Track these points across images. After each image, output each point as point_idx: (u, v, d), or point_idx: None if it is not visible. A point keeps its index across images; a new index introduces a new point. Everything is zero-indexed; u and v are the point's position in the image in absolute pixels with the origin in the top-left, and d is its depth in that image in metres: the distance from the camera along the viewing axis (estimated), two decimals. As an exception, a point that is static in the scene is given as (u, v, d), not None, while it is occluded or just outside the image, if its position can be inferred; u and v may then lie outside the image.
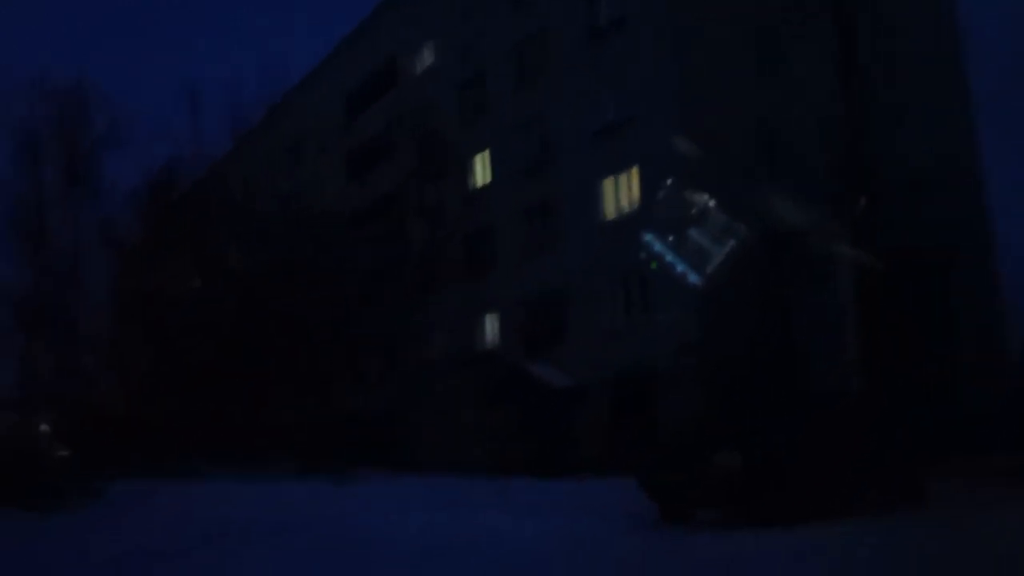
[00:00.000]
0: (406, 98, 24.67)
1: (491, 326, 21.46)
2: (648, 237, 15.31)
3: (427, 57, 25.04)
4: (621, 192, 18.77)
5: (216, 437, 19.56)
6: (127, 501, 11.73)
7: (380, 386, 22.44)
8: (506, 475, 14.93)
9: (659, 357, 16.56)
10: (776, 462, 7.33)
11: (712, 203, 14.90)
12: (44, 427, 27.52)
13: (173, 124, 41.99)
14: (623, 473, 10.00)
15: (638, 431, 16.27)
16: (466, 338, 21.55)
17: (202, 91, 36.96)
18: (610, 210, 18.97)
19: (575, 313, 19.20)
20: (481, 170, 22.59)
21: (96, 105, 27.17)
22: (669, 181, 15.87)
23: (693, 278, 14.76)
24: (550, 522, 8.44)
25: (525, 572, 6.24)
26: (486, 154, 22.39)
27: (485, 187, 22.40)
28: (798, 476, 7.34)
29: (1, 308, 26.86)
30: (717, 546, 6.67)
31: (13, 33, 55.49)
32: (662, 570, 6.02)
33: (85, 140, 27.30)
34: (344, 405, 21.13)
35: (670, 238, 14.98)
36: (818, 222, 14.69)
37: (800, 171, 16.19)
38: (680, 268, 14.82)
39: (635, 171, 18.27)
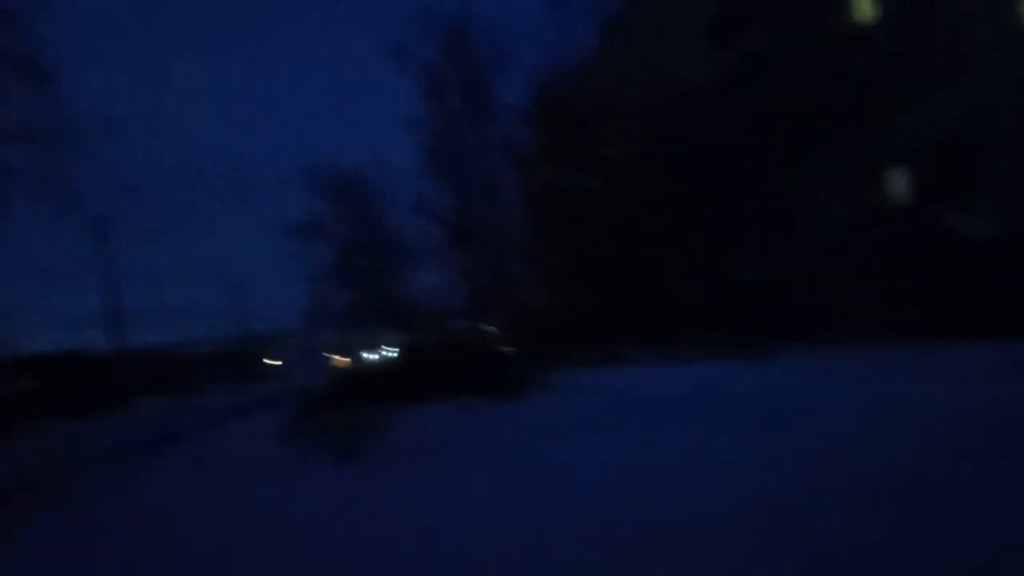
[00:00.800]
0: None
1: (891, 180, 18.95)
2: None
3: None
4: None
5: (630, 324, 20.43)
6: (569, 388, 12.83)
7: (771, 257, 21.23)
8: (917, 342, 13.30)
9: None
10: None
11: None
12: (490, 328, 31.54)
13: (543, 30, 43.78)
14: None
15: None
16: (861, 197, 19.35)
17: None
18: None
19: (986, 158, 16.03)
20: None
21: (479, 30, 29.58)
22: None
23: None
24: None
25: None
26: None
27: (868, 24, 19.48)
28: None
29: (438, 228, 30.90)
30: None
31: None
32: None
33: (476, 66, 29.87)
34: (739, 281, 20.57)
35: None
36: None
37: None
38: None
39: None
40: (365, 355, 49.05)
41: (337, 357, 61.11)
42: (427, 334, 26.89)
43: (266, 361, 69.46)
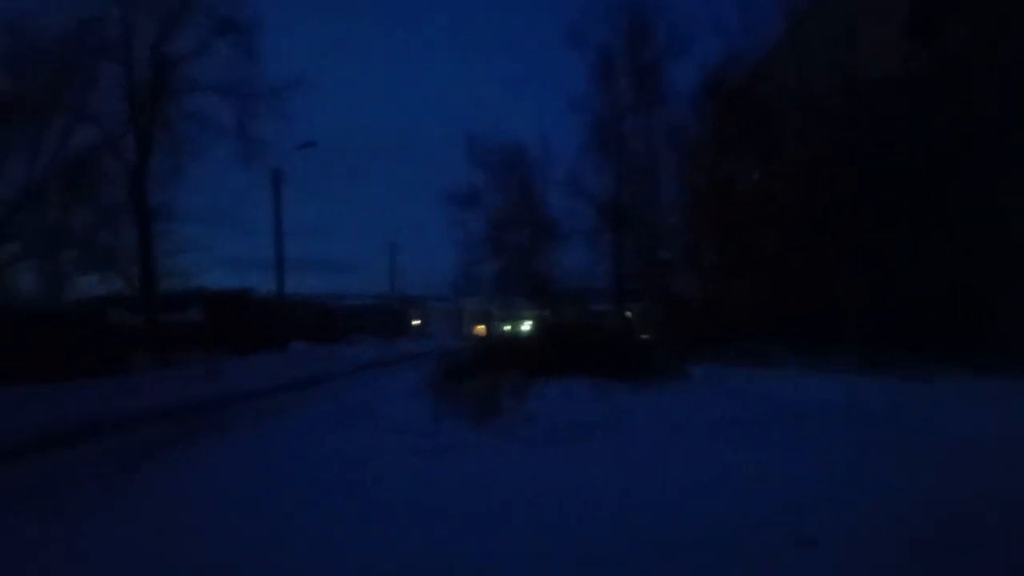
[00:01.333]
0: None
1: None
2: None
3: None
4: None
5: (784, 325, 19.70)
6: (703, 381, 12.63)
7: (958, 270, 19.66)
8: None
9: None
10: None
11: None
12: (628, 314, 31.32)
13: (725, 17, 42.49)
14: None
15: None
16: None
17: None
18: None
19: None
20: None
21: (658, 16, 29.16)
22: None
23: None
24: None
25: None
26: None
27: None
28: None
29: (593, 209, 30.85)
30: None
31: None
32: None
33: (651, 51, 29.50)
34: (916, 293, 19.20)
35: None
36: None
37: None
38: None
39: None
40: (507, 326, 49.89)
41: (480, 325, 62.45)
42: (569, 312, 27.02)
43: (412, 321, 72.01)
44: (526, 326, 40.53)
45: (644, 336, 23.50)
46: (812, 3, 25.80)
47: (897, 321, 18.19)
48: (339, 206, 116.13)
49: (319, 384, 16.45)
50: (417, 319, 74.13)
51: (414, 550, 4.47)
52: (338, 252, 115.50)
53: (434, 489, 5.94)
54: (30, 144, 21.92)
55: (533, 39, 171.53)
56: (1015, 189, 17.95)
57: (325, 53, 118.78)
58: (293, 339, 34.30)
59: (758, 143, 23.91)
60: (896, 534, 4.52)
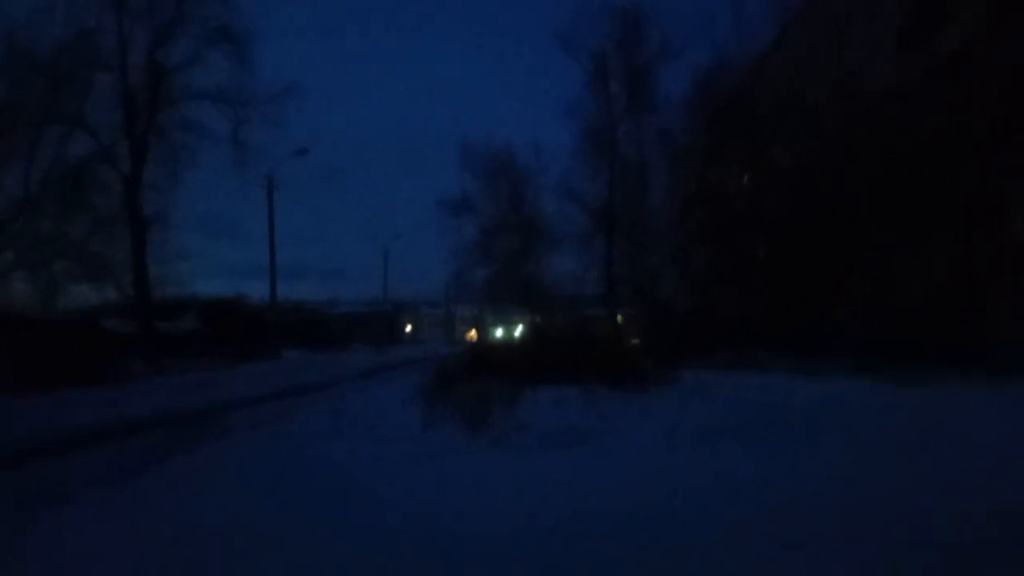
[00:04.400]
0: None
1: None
2: None
3: None
4: None
5: (774, 331, 19.87)
6: (694, 387, 12.80)
7: (949, 275, 19.81)
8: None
9: None
10: None
11: None
12: (619, 319, 31.51)
13: (717, 23, 42.79)
14: None
15: None
16: None
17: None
18: None
19: None
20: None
21: (651, 21, 29.46)
22: None
23: None
24: None
25: None
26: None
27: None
28: None
29: (584, 215, 31.07)
30: None
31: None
32: None
33: (643, 56, 29.80)
34: (907, 297, 19.32)
35: None
36: None
37: None
38: None
39: None
40: (499, 332, 50.08)
41: (471, 331, 62.56)
42: (559, 318, 27.19)
43: (404, 327, 72.09)
44: (517, 332, 40.66)
45: (635, 341, 23.68)
46: (803, 9, 26.05)
47: (890, 327, 18.34)
48: (332, 213, 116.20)
49: (312, 392, 16.58)
50: (409, 326, 74.19)
51: (404, 556, 4.62)
52: (331, 259, 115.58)
53: (425, 496, 6.11)
54: (25, 154, 22.08)
55: (526, 44, 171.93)
56: (1010, 194, 18.15)
57: (319, 60, 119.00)
58: (286, 347, 34.42)
59: (748, 149, 24.13)
60: (884, 537, 4.71)
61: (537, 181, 33.55)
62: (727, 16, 41.68)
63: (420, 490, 6.28)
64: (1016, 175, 17.89)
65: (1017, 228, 18.03)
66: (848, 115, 20.70)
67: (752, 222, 22.74)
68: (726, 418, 9.21)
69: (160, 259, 25.64)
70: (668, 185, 30.75)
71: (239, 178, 31.30)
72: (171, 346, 24.88)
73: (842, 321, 19.53)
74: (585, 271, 31.82)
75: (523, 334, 27.79)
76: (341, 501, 6.03)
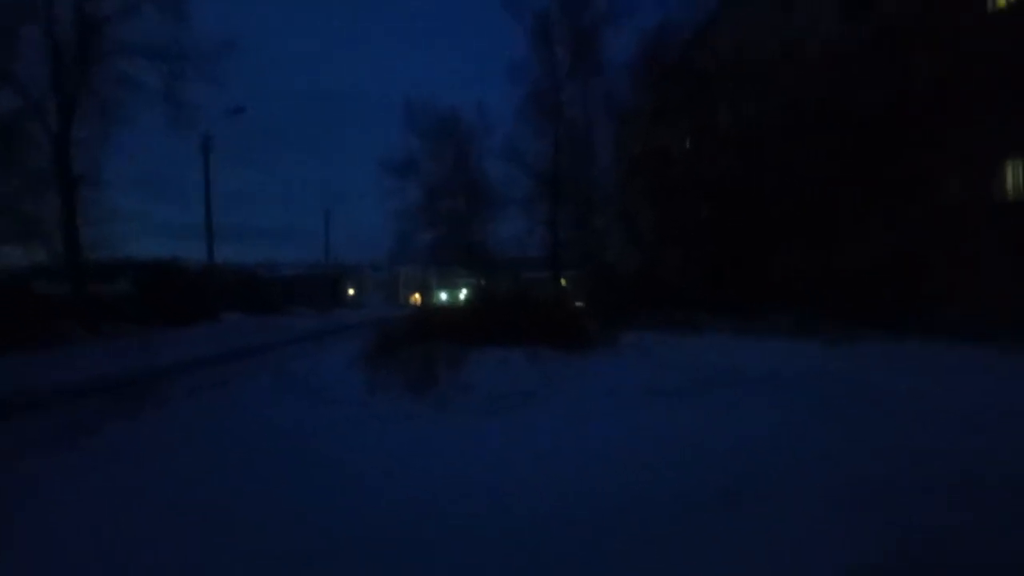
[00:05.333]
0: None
1: (1013, 173, 18.01)
2: None
3: None
4: None
5: (717, 292, 20.22)
6: (636, 348, 12.99)
7: (886, 237, 20.40)
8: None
9: None
10: None
11: None
12: (563, 282, 31.71)
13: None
14: None
15: None
16: (985, 185, 18.43)
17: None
18: None
19: None
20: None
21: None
22: None
23: None
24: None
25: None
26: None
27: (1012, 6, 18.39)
28: None
29: (529, 177, 30.97)
30: None
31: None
32: None
33: (588, 18, 29.58)
34: (846, 259, 19.85)
35: None
36: None
37: None
38: None
39: None
40: (443, 294, 50.00)
41: (416, 294, 62.28)
42: (504, 281, 27.24)
43: (348, 290, 71.41)
44: (462, 295, 40.68)
45: (579, 304, 23.88)
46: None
47: (829, 289, 18.82)
48: (273, 174, 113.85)
49: (253, 356, 16.34)
50: (352, 288, 73.50)
51: (350, 519, 4.61)
52: (272, 220, 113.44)
53: (372, 459, 6.09)
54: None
55: (472, 4, 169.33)
56: (948, 160, 18.66)
57: (260, 17, 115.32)
58: (226, 310, 33.76)
59: (694, 112, 24.27)
60: (816, 488, 4.88)
61: (481, 143, 33.34)
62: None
63: (365, 454, 6.27)
64: (953, 141, 18.43)
65: (954, 192, 18.62)
66: (791, 79, 20.96)
67: (696, 184, 22.98)
68: (665, 380, 9.36)
69: (94, 220, 24.70)
70: (613, 147, 30.82)
71: (176, 137, 30.26)
72: (106, 310, 24.18)
73: (782, 283, 19.95)
74: (530, 234, 31.81)
75: (468, 296, 27.80)
76: (285, 465, 5.98)
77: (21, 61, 22.15)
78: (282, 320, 33.59)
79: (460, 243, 33.96)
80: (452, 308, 25.10)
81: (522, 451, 6.24)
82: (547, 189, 30.45)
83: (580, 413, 7.74)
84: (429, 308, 31.14)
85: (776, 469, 5.39)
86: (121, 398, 9.96)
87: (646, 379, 9.39)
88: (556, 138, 30.24)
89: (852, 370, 10.00)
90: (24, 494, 5.39)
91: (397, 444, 6.62)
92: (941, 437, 6.19)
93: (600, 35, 29.59)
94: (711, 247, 21.94)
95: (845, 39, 22.22)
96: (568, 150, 30.42)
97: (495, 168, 33.22)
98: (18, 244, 24.47)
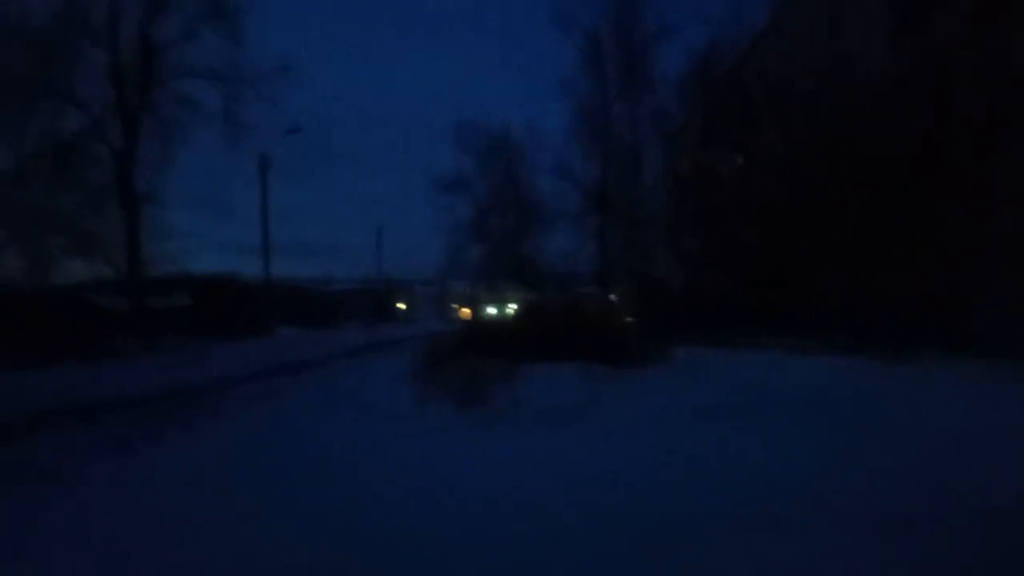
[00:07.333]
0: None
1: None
2: None
3: None
4: None
5: (764, 312, 19.95)
6: (687, 364, 12.88)
7: (934, 265, 19.98)
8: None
9: None
10: None
11: None
12: (612, 297, 31.56)
13: (714, 5, 42.49)
14: None
15: None
16: None
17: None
18: None
19: None
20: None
21: (646, 1, 29.27)
22: None
23: None
24: None
25: None
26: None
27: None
28: None
29: (578, 194, 31.04)
30: None
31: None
32: None
33: (638, 35, 29.63)
34: (893, 285, 19.45)
35: None
36: None
37: None
38: None
39: None
40: (493, 310, 50.14)
41: (465, 309, 62.52)
42: (555, 296, 27.23)
43: (398, 305, 72.05)
44: (511, 310, 40.71)
45: (628, 319, 23.73)
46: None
47: (875, 312, 18.44)
48: (327, 191, 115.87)
49: (306, 370, 16.61)
50: (403, 303, 74.15)
51: (396, 533, 4.65)
52: (325, 237, 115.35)
53: (421, 473, 6.14)
54: (16, 128, 21.92)
55: (521, 22, 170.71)
56: (997, 188, 18.19)
57: (314, 38, 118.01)
58: (279, 324, 34.39)
59: (741, 133, 24.05)
60: (872, 516, 4.76)
61: (532, 160, 33.55)
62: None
63: (413, 467, 6.32)
64: (1004, 169, 17.96)
65: (1003, 222, 18.13)
66: (838, 101, 20.66)
67: (743, 205, 22.72)
68: (719, 397, 9.22)
69: (153, 236, 25.53)
70: (661, 166, 30.73)
71: (233, 156, 31.09)
72: (163, 323, 24.83)
73: (831, 305, 19.60)
74: (579, 249, 31.85)
75: (518, 311, 27.83)
76: (333, 476, 6.07)
77: (86, 82, 23.04)
78: (334, 334, 34.09)
79: (510, 258, 34.15)
80: (501, 322, 25.16)
81: (574, 469, 6.21)
82: (596, 204, 30.45)
83: (633, 428, 7.68)
84: (478, 322, 31.28)
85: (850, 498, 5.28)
86: (177, 410, 10.22)
87: (698, 396, 9.28)
88: (605, 155, 30.28)
89: (914, 392, 9.75)
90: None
91: (444, 458, 6.67)
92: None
93: (650, 53, 29.66)
94: (756, 271, 21.64)
95: (896, 63, 21.84)
96: (617, 167, 30.42)
97: (544, 184, 33.41)
98: (81, 258, 25.39)
